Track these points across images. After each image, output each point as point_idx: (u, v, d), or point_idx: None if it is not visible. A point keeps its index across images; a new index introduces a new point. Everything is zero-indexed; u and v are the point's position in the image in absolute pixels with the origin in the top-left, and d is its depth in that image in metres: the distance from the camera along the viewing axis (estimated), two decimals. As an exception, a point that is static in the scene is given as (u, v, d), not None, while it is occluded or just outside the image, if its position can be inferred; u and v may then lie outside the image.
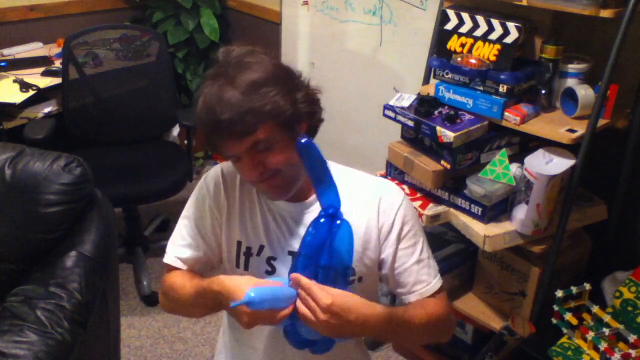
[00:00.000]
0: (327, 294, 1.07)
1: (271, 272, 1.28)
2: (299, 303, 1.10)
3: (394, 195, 1.28)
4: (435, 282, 1.28)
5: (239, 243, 1.29)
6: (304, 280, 1.09)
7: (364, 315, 1.11)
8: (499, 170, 1.81)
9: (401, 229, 1.26)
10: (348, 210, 1.20)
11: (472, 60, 1.84)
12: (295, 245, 1.25)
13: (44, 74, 2.87)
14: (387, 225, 1.26)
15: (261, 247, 1.28)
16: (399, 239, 1.26)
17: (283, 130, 1.15)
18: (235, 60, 1.15)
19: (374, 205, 1.26)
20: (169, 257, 1.33)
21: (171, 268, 1.33)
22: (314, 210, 1.25)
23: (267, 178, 1.17)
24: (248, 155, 1.14)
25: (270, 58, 1.17)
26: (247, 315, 1.09)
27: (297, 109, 1.16)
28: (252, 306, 1.06)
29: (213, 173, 1.33)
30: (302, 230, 1.23)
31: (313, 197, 1.26)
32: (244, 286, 1.09)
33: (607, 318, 1.75)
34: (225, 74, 1.13)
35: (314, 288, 1.08)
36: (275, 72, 1.15)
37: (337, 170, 1.26)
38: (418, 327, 1.21)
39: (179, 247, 1.33)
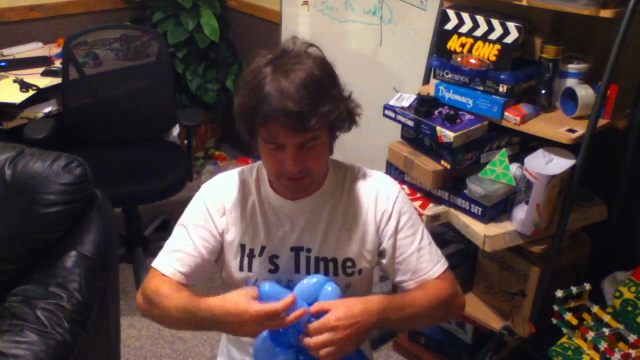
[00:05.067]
0: (327, 317, 1.12)
1: (274, 270, 1.29)
2: (310, 341, 1.12)
3: (389, 188, 1.32)
4: (437, 269, 1.29)
5: (243, 246, 1.30)
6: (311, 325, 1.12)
7: (367, 309, 1.14)
8: (499, 170, 1.81)
9: (398, 221, 1.29)
10: (346, 207, 1.28)
11: (472, 60, 1.84)
12: (296, 240, 1.29)
13: (44, 74, 2.87)
14: (385, 218, 1.29)
15: (263, 248, 1.30)
16: (397, 231, 1.29)
17: (330, 135, 1.21)
18: (299, 51, 1.17)
19: (371, 200, 1.30)
20: (164, 266, 1.31)
21: (158, 273, 1.32)
22: (311, 209, 1.29)
23: (298, 177, 1.20)
24: (295, 147, 1.15)
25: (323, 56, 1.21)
26: (255, 313, 1.10)
27: (347, 119, 1.22)
28: (263, 297, 1.09)
29: (213, 184, 1.34)
30: (301, 226, 1.28)
31: (310, 196, 1.29)
32: (241, 296, 1.15)
33: (607, 318, 1.75)
34: (292, 63, 1.13)
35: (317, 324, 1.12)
36: (334, 73, 1.19)
37: (336, 167, 1.33)
38: (420, 308, 1.23)
39: (175, 257, 1.31)
